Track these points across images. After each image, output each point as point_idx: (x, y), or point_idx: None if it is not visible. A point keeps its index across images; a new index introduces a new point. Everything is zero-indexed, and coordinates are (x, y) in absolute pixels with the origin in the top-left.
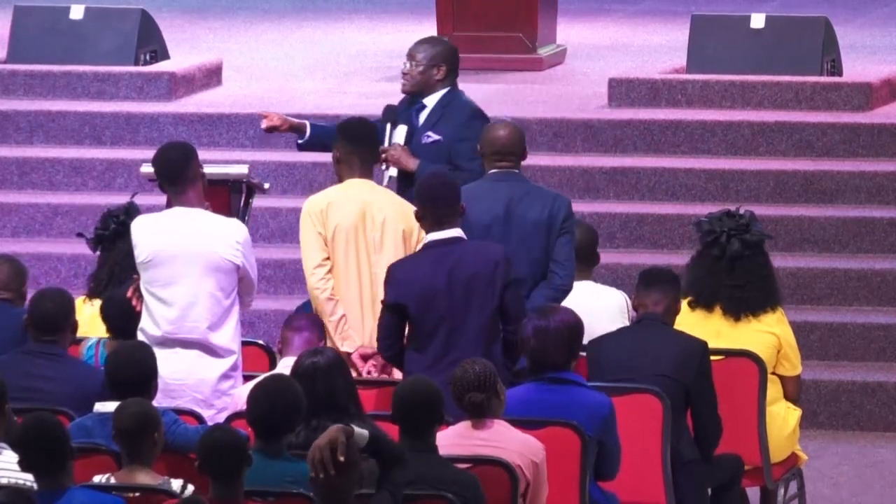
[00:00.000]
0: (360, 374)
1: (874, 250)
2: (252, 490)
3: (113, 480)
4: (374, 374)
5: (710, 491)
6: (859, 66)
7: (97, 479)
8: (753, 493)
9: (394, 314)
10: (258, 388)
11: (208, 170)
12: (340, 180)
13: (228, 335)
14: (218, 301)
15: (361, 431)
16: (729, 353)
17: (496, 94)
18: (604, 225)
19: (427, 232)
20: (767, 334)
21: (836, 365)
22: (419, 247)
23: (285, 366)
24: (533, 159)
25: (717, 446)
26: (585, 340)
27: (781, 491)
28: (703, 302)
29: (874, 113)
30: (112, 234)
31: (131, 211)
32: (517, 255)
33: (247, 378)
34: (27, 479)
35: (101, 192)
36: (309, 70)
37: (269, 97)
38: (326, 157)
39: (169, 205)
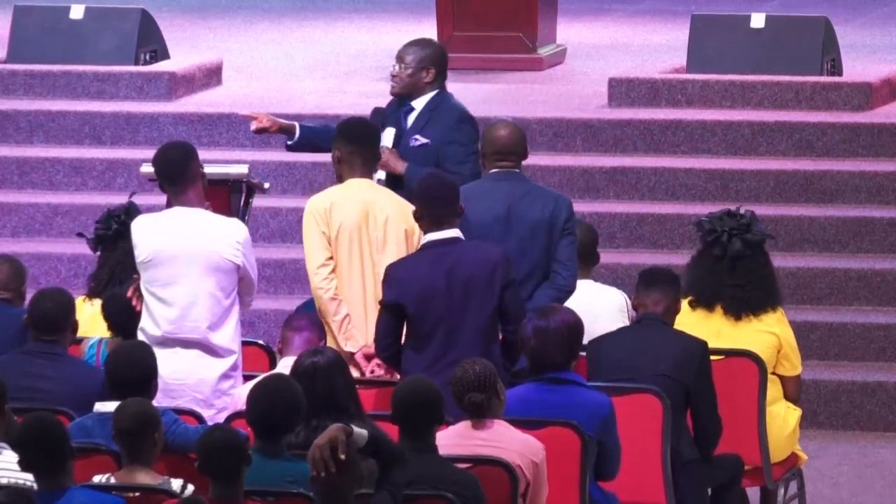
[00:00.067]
0: (363, 373)
1: (874, 250)
2: (252, 490)
3: (113, 480)
4: (380, 373)
5: (710, 491)
6: (859, 66)
7: (97, 479)
8: (753, 493)
9: (392, 314)
10: (258, 387)
11: (208, 170)
12: (340, 180)
13: (228, 335)
14: (218, 301)
15: (361, 431)
16: (729, 353)
17: (496, 94)
18: (604, 225)
19: (425, 232)
20: (767, 334)
21: (836, 365)
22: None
23: (285, 366)
24: (533, 159)
25: (716, 446)
26: (585, 340)
27: (781, 491)
28: (704, 301)
29: (874, 113)
30: (114, 234)
31: (131, 211)
32: (517, 254)
33: (247, 378)
34: (27, 479)
35: (101, 192)
36: (309, 70)
37: (269, 97)
38: (326, 158)
39: (169, 205)
